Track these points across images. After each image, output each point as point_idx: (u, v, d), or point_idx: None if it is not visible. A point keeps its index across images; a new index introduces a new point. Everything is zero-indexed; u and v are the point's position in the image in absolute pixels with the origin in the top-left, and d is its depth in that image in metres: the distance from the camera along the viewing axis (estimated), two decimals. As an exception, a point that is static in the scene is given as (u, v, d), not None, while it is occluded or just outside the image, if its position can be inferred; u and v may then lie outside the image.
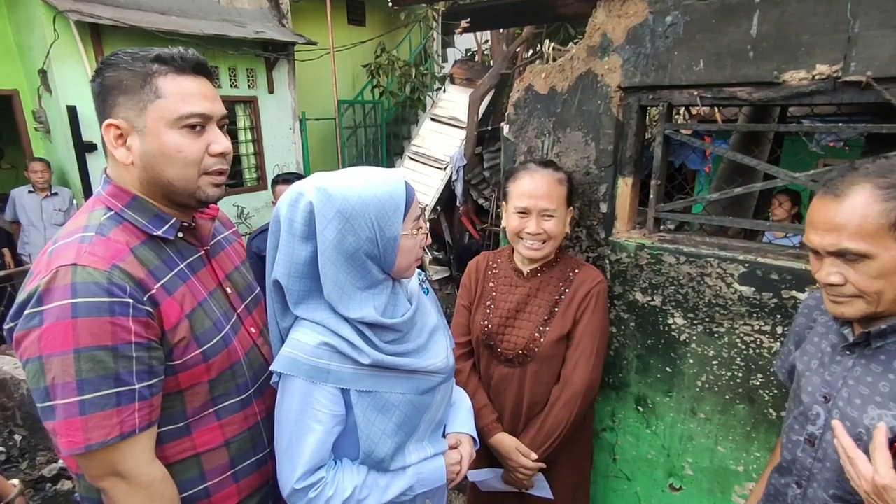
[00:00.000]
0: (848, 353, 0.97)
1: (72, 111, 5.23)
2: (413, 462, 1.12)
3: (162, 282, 0.93)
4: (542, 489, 1.58)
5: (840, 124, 1.50)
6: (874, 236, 0.84)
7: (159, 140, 0.92)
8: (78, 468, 0.96)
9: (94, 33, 5.29)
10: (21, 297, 0.86)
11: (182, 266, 1.00)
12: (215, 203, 1.06)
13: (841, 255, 0.88)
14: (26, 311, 0.84)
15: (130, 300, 0.86)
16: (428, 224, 1.13)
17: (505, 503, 1.66)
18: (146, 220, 0.96)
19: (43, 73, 5.37)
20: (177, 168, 0.94)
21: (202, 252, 1.07)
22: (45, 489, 2.84)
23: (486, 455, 1.62)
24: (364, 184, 0.99)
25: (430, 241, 1.12)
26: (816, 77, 1.30)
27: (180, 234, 1.01)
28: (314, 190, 0.98)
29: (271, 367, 1.02)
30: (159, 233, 0.96)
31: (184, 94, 0.93)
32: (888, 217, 0.83)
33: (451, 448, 1.21)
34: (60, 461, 2.94)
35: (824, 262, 0.92)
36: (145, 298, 0.89)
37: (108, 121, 0.91)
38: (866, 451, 0.89)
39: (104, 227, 0.92)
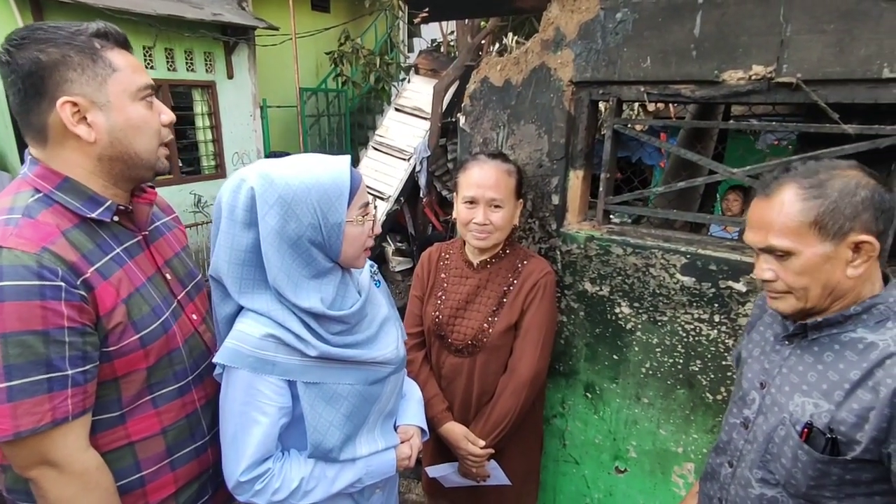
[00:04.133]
0: (787, 343, 1.02)
1: (11, 91, 4.93)
2: (363, 455, 1.12)
3: (96, 266, 0.90)
4: (498, 478, 1.61)
5: (773, 123, 1.58)
6: (796, 233, 0.88)
7: (126, 113, 0.92)
8: (4, 458, 0.92)
9: (35, 8, 5.01)
10: None
11: (118, 250, 0.97)
12: (155, 180, 1.04)
13: (769, 251, 0.93)
14: None
15: (63, 284, 0.84)
16: (376, 211, 1.12)
17: (460, 492, 1.69)
18: (79, 203, 0.92)
19: (-22, 50, 5.03)
20: (145, 139, 0.95)
21: (140, 237, 1.04)
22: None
23: (438, 444, 1.64)
24: (307, 169, 0.98)
25: (379, 230, 1.12)
26: (752, 77, 1.36)
27: (116, 219, 0.97)
28: (256, 176, 0.97)
29: (214, 359, 1.00)
30: (93, 215, 0.93)
31: (133, 66, 0.94)
32: (807, 215, 0.88)
33: (402, 441, 1.22)
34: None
35: (760, 258, 0.97)
36: (78, 282, 0.86)
37: (64, 98, 0.87)
38: (787, 436, 0.95)
39: (31, 210, 0.88)
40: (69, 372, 0.85)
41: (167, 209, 1.22)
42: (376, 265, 1.31)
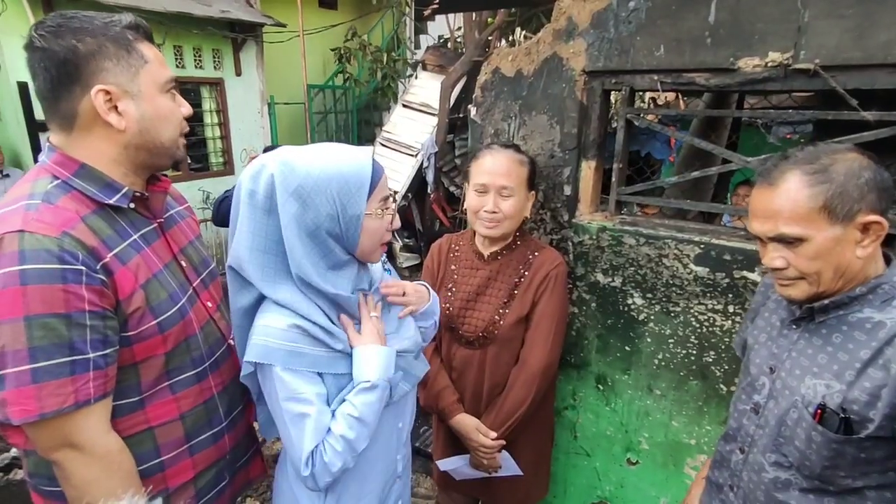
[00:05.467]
0: (794, 327, 1.03)
1: (23, 88, 4.97)
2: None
3: (115, 251, 0.92)
4: (510, 468, 1.61)
5: (790, 110, 1.56)
6: (806, 220, 0.89)
7: (155, 104, 0.96)
8: (27, 443, 0.94)
9: (47, 5, 5.04)
10: None
11: (135, 237, 0.98)
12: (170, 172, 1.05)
13: (780, 239, 0.93)
14: None
15: (83, 268, 0.85)
16: (396, 205, 1.11)
17: (471, 483, 1.69)
18: (97, 189, 0.93)
19: (-10, 47, 5.08)
20: (170, 129, 0.99)
21: (156, 224, 1.05)
22: (-3, 479, 2.74)
23: (448, 436, 1.64)
24: (328, 159, 0.97)
25: (398, 224, 1.11)
26: (769, 64, 1.34)
27: (132, 205, 0.98)
28: (277, 163, 0.96)
29: (245, 359, 0.98)
30: (111, 201, 0.94)
31: (159, 59, 0.98)
32: (816, 200, 0.89)
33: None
34: (13, 450, 2.83)
35: (768, 247, 0.97)
36: (98, 267, 0.87)
37: (99, 86, 0.89)
38: (800, 418, 0.95)
39: (51, 195, 0.89)
40: (91, 355, 0.86)
41: (180, 199, 1.23)
42: (384, 256, 1.31)
